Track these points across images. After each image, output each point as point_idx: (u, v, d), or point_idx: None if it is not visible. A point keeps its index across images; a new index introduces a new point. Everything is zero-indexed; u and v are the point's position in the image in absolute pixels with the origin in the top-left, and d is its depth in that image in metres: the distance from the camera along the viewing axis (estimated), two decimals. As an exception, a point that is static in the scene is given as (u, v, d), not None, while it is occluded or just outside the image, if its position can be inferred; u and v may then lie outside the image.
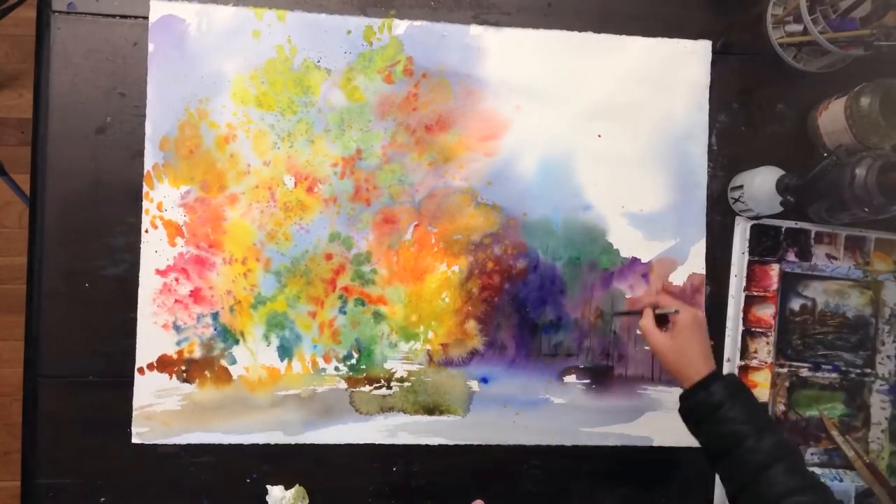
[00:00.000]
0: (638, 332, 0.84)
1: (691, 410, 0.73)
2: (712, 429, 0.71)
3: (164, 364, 0.84)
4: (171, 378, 0.84)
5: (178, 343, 0.85)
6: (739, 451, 0.68)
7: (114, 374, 0.84)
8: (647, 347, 0.91)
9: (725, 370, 0.92)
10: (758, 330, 0.92)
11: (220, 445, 0.85)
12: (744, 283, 0.91)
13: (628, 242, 0.91)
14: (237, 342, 0.85)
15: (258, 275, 0.86)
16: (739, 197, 0.89)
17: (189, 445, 0.85)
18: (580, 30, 0.91)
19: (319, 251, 0.87)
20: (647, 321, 0.78)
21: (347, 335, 0.87)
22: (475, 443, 0.89)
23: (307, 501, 0.86)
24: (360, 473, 0.87)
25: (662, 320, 0.78)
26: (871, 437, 0.94)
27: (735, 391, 0.71)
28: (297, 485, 0.86)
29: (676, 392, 0.90)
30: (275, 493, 0.85)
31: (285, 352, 0.86)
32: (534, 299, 0.90)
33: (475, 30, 0.89)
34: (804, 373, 0.93)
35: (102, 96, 0.84)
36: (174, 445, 0.84)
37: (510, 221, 0.90)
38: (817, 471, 0.92)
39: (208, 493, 0.85)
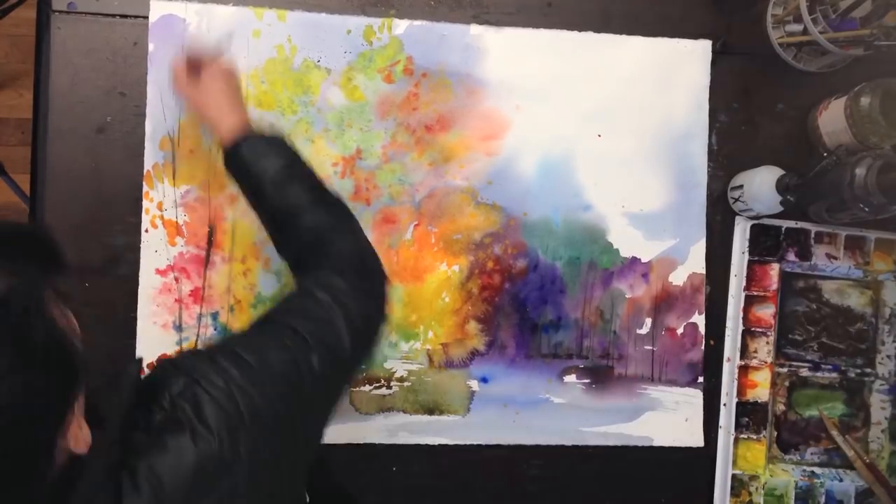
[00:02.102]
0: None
1: (232, 168, 0.71)
2: (250, 184, 0.69)
3: (164, 364, 0.84)
4: (171, 378, 0.84)
5: (178, 343, 0.85)
6: (279, 199, 0.67)
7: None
8: (647, 348, 0.91)
9: (725, 370, 0.92)
10: (758, 330, 0.92)
11: (220, 445, 0.85)
12: (744, 283, 0.91)
13: (628, 242, 0.91)
14: (237, 342, 0.85)
15: (258, 274, 0.86)
16: (739, 197, 0.89)
17: (189, 445, 0.85)
18: (580, 30, 0.91)
19: (319, 251, 0.87)
20: (178, 68, 0.76)
21: (347, 335, 0.87)
22: (475, 443, 0.89)
23: (307, 501, 0.85)
24: (360, 473, 0.87)
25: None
26: (871, 437, 0.94)
27: (267, 146, 0.69)
28: (297, 485, 0.86)
29: (677, 392, 0.90)
30: (275, 492, 0.84)
31: (285, 352, 0.86)
32: (534, 299, 0.90)
33: (475, 29, 0.89)
34: (804, 372, 0.93)
35: (102, 96, 0.84)
36: (174, 445, 0.84)
37: (510, 221, 0.90)
38: (817, 470, 0.92)
39: (208, 493, 0.85)
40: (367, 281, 0.66)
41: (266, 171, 0.68)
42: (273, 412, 0.52)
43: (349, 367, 0.64)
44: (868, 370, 0.94)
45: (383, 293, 0.67)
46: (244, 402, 0.51)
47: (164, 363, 0.55)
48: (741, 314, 0.91)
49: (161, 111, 0.84)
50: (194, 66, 0.75)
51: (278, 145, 0.70)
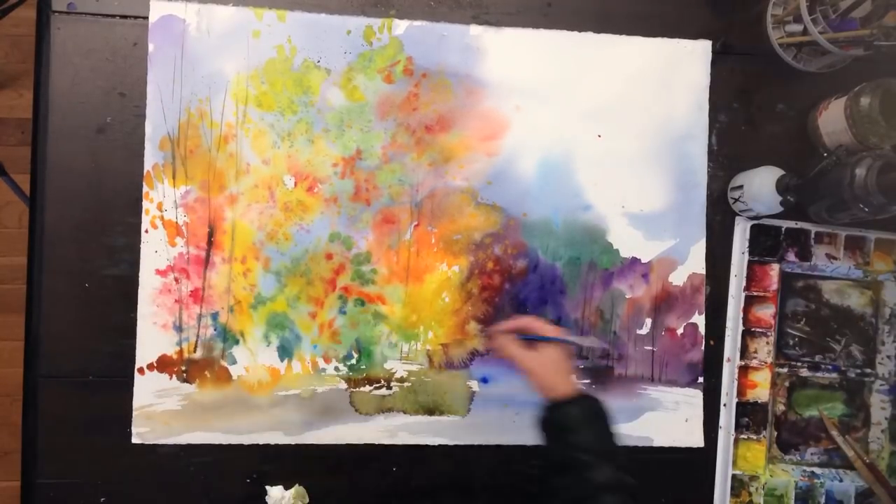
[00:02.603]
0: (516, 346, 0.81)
1: (547, 424, 0.75)
2: (560, 448, 0.72)
3: (164, 364, 0.84)
4: (171, 378, 0.84)
5: (178, 343, 0.85)
6: (577, 474, 0.70)
7: (114, 374, 0.84)
8: (647, 348, 0.91)
9: (725, 370, 0.92)
10: (758, 330, 0.92)
11: (220, 445, 0.85)
12: (744, 283, 0.91)
13: (628, 242, 0.91)
14: (237, 342, 0.85)
15: (257, 274, 0.86)
16: (739, 197, 0.89)
17: (189, 445, 0.85)
18: (580, 30, 0.91)
19: (320, 251, 0.87)
20: (508, 338, 0.80)
21: (347, 335, 0.87)
22: (475, 443, 0.89)
23: (307, 501, 0.86)
24: (360, 473, 0.87)
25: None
26: (871, 437, 0.94)
27: (591, 417, 0.73)
28: (297, 485, 0.86)
29: (677, 392, 0.90)
30: (274, 493, 0.85)
31: (285, 352, 0.86)
32: (534, 299, 0.90)
33: (475, 30, 0.89)
34: (804, 373, 0.93)
35: (102, 96, 0.84)
36: (174, 445, 0.84)
37: (510, 221, 0.90)
38: (817, 471, 0.92)
39: (208, 493, 0.85)
40: None
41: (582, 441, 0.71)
42: None
43: None
44: (868, 370, 0.94)
45: None
46: None
47: None
48: (741, 314, 0.91)
49: (161, 111, 0.85)
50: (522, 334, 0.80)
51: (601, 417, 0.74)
